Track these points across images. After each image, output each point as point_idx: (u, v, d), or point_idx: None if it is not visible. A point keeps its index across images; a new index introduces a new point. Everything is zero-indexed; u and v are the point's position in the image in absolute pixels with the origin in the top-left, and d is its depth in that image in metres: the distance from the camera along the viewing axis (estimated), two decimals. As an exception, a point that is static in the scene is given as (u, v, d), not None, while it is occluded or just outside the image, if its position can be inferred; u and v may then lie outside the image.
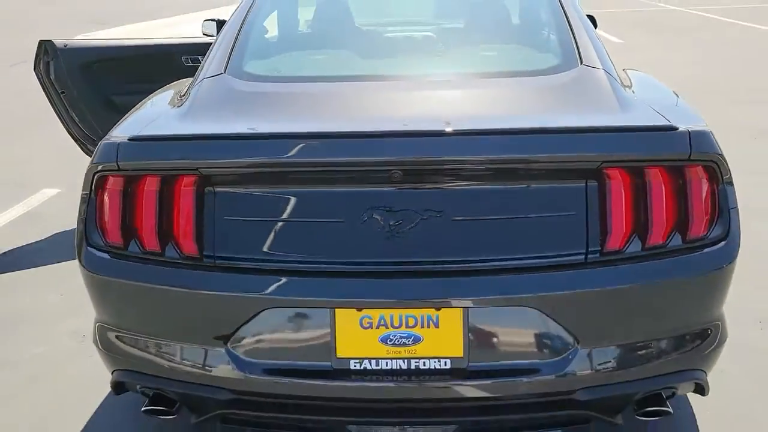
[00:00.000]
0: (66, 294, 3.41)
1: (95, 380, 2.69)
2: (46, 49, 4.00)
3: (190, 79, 2.62)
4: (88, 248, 1.86)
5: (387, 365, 1.72)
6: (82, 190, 1.92)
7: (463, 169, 1.71)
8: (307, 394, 1.77)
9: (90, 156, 4.27)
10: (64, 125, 4.22)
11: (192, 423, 1.99)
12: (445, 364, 1.71)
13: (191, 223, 1.76)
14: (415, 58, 2.58)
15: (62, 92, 4.06)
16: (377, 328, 1.71)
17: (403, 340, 1.71)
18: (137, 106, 2.33)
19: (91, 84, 4.08)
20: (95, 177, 1.85)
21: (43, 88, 4.15)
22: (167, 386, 1.84)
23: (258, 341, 1.75)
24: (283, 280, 1.71)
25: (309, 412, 1.81)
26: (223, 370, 1.77)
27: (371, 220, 1.70)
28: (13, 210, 4.59)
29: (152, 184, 1.79)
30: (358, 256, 1.72)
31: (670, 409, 1.83)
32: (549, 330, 1.69)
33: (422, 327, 1.70)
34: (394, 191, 1.70)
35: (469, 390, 1.73)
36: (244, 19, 2.59)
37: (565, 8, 2.50)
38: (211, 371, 1.78)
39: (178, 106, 2.13)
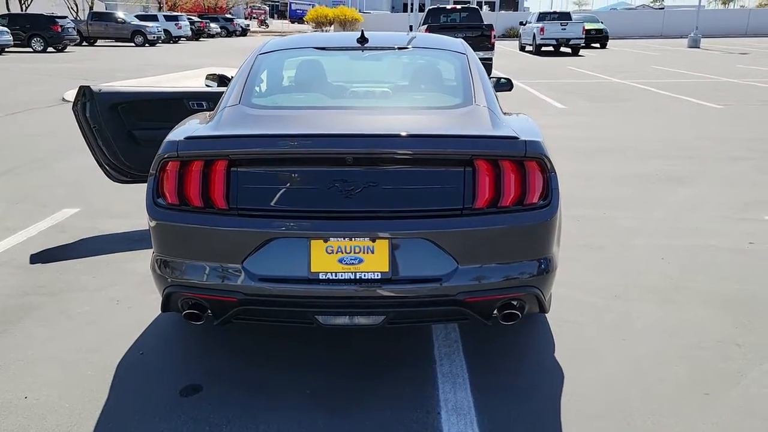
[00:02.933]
0: (96, 276, 4.42)
1: (131, 325, 3.71)
2: (84, 92, 5.08)
3: (209, 112, 3.74)
4: (155, 207, 2.92)
5: (342, 276, 2.80)
6: (150, 171, 2.98)
7: (391, 157, 2.82)
8: (291, 294, 2.83)
9: (110, 178, 5.36)
10: (92, 153, 5.26)
11: (214, 325, 3.03)
12: (378, 276, 2.79)
13: (222, 188, 2.85)
14: (367, 98, 3.77)
15: (94, 127, 5.13)
16: (336, 253, 2.80)
17: (352, 261, 2.80)
18: (179, 124, 3.42)
19: (117, 121, 5.16)
20: (161, 162, 2.93)
21: (78, 124, 5.21)
22: (202, 293, 2.89)
23: (262, 260, 2.81)
24: (281, 222, 2.80)
25: (291, 306, 2.87)
26: (240, 280, 2.82)
27: (334, 187, 2.80)
28: (42, 223, 5.57)
29: (199, 165, 2.88)
30: (326, 207, 2.81)
31: (520, 314, 2.93)
32: (440, 254, 2.79)
33: (364, 253, 2.80)
34: (348, 170, 2.80)
35: (392, 292, 2.80)
36: (249, 72, 3.73)
37: (472, 72, 3.70)
38: (231, 281, 2.84)
39: (210, 122, 3.24)
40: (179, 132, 3.09)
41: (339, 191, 2.80)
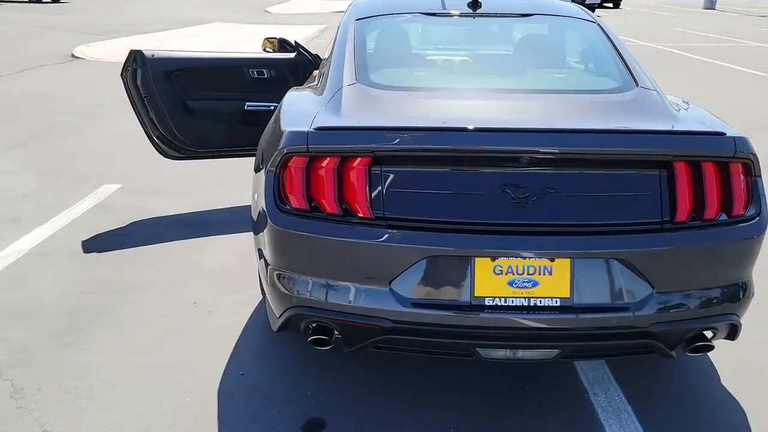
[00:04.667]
0: (162, 270, 3.91)
1: (218, 335, 3.22)
2: (135, 58, 4.50)
3: (310, 89, 3.19)
4: (280, 212, 2.41)
5: (512, 302, 2.31)
6: (269, 167, 2.45)
7: (573, 158, 2.32)
8: (448, 323, 2.34)
9: (162, 154, 4.81)
10: (142, 126, 4.70)
11: (344, 352, 2.55)
12: (556, 303, 2.31)
13: (365, 193, 2.33)
14: (505, 75, 3.20)
15: (146, 97, 4.56)
16: (506, 274, 2.30)
17: (525, 284, 2.31)
18: (285, 107, 2.87)
19: (170, 90, 4.59)
20: (284, 157, 2.40)
21: (127, 92, 4.64)
22: (338, 317, 2.40)
23: (415, 282, 2.32)
24: (439, 236, 2.30)
25: (447, 336, 2.39)
26: (387, 304, 2.33)
27: (504, 193, 2.30)
28: (84, 202, 5.03)
29: (333, 163, 2.36)
30: (494, 219, 2.31)
31: (713, 344, 2.46)
32: (633, 278, 2.30)
33: (540, 274, 2.30)
34: (521, 173, 2.30)
35: (573, 323, 2.32)
36: (354, 42, 3.16)
37: (616, 45, 3.16)
38: (377, 305, 2.34)
39: (328, 106, 2.69)
40: (297, 119, 2.56)
41: (511, 198, 2.30)
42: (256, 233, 2.81)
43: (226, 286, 3.72)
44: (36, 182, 5.47)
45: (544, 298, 2.31)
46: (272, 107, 4.85)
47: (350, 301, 2.38)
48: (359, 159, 2.34)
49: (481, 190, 2.32)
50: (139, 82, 4.53)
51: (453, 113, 2.62)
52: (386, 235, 2.31)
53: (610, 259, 2.30)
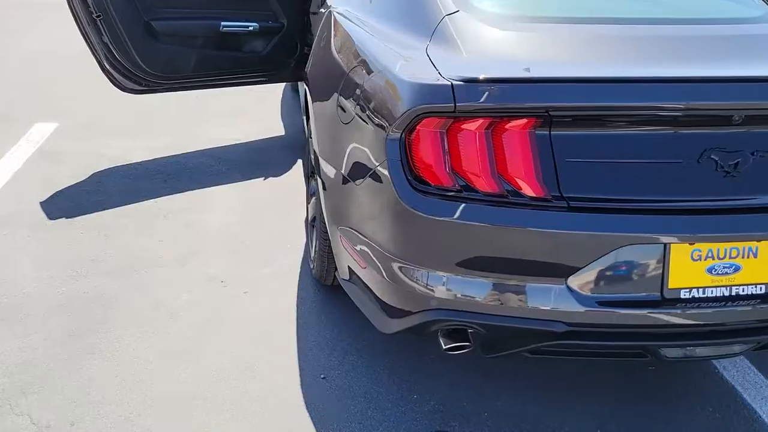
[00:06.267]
0: (164, 240, 3.19)
1: (268, 324, 2.63)
2: (83, -35, 3.57)
3: (357, 12, 2.52)
4: (414, 191, 1.83)
5: (710, 293, 1.89)
6: (393, 130, 1.85)
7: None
8: (635, 322, 1.91)
9: (118, 87, 3.96)
10: (94, 55, 3.80)
11: (487, 356, 2.08)
12: (761, 290, 1.91)
13: (537, 165, 1.80)
14: (648, 5, 2.60)
15: (99, 16, 3.66)
16: (705, 260, 1.87)
17: (726, 269, 1.89)
18: (360, 43, 2.23)
19: (129, 7, 3.72)
20: (415, 119, 1.81)
21: (72, 11, 3.70)
22: (497, 322, 1.90)
23: (598, 277, 1.85)
24: (635, 219, 1.82)
25: (630, 338, 1.96)
26: (564, 304, 1.85)
27: (707, 161, 1.84)
28: (19, 148, 4.11)
29: (485, 125, 1.80)
30: (694, 194, 1.86)
31: None
32: (843, 257, 1.94)
33: (743, 257, 1.89)
34: (731, 133, 1.85)
35: (775, 311, 1.96)
36: None
37: None
38: (550, 306, 1.86)
39: (437, 44, 2.06)
40: (412, 64, 1.95)
41: (713, 167, 1.84)
42: (346, 206, 2.22)
43: (248, 256, 3.08)
44: (-54, 123, 4.44)
45: (746, 285, 1.90)
46: (251, 27, 4.14)
47: (514, 303, 1.88)
48: (523, 120, 1.79)
49: (677, 157, 1.84)
50: (90, -1, 3.62)
51: (630, 58, 2.05)
52: (568, 220, 1.81)
53: (820, 237, 1.92)
